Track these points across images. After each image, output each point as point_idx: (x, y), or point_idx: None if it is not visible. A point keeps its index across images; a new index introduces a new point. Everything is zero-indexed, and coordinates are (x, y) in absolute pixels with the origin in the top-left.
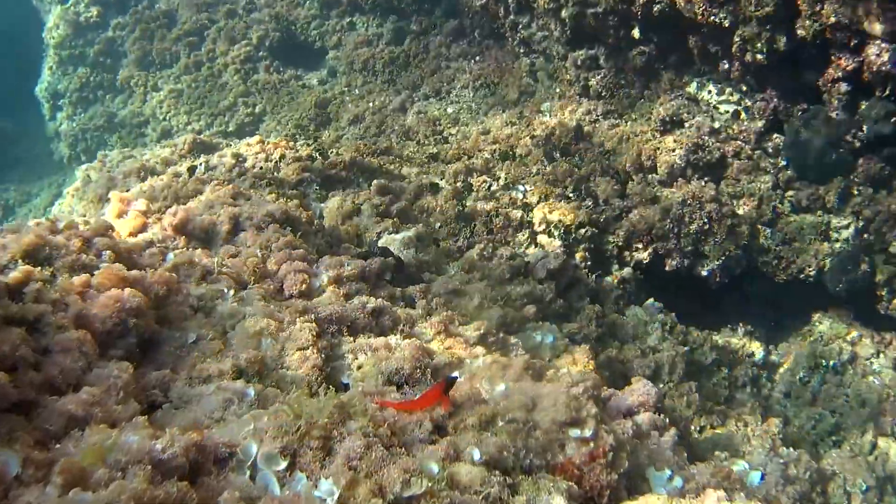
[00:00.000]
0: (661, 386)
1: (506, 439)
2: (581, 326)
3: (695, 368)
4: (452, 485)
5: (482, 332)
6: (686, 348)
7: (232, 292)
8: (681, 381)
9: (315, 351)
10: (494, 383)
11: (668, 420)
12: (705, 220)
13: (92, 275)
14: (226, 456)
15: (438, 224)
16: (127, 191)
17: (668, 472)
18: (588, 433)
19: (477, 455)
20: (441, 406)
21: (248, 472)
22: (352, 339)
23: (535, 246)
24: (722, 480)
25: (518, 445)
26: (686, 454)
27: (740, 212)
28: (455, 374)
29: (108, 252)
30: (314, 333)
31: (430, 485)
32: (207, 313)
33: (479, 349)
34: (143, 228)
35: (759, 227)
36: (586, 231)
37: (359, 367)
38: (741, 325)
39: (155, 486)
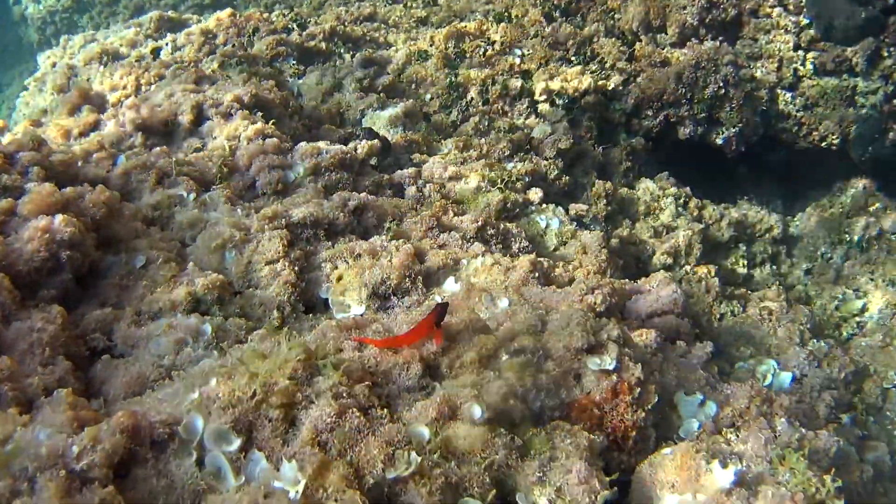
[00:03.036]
0: (678, 269)
1: (512, 378)
2: (589, 206)
3: (711, 246)
4: (447, 453)
5: (480, 223)
6: (702, 225)
7: (193, 196)
8: (698, 263)
9: (287, 264)
10: (495, 299)
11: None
12: (720, 84)
13: (16, 200)
14: (165, 437)
15: (429, 96)
16: (88, 79)
17: (699, 396)
18: (610, 363)
19: (478, 413)
20: (433, 340)
21: (193, 455)
22: (330, 244)
23: (536, 117)
24: (761, 405)
25: (526, 385)
26: (717, 369)
27: (758, 75)
28: (445, 296)
29: (35, 169)
30: (285, 242)
31: (418, 460)
32: (164, 225)
33: (477, 246)
34: (96, 126)
35: (779, 91)
36: (591, 98)
37: (339, 279)
38: (757, 197)
39: (71, 496)
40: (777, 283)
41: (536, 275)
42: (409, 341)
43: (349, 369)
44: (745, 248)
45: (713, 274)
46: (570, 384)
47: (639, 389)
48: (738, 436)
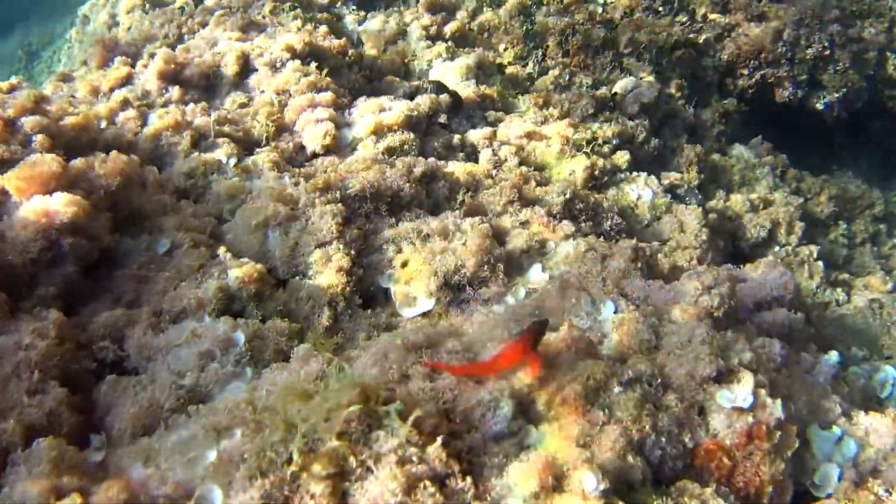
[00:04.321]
0: (777, 249)
1: (628, 422)
2: (682, 174)
3: (809, 223)
4: None
5: (568, 195)
6: (801, 199)
7: (233, 161)
8: (799, 243)
9: (341, 246)
10: (598, 303)
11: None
12: (826, 44)
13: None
14: None
15: (503, 47)
16: (129, 28)
17: (836, 431)
18: (744, 399)
19: (592, 483)
20: (527, 367)
21: None
22: (394, 220)
23: (622, 71)
24: None
25: (644, 429)
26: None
27: (867, 35)
28: (531, 287)
29: (39, 137)
30: (340, 220)
31: None
32: (199, 196)
33: (566, 225)
34: (128, 81)
35: (889, 54)
36: (682, 53)
37: (403, 265)
38: (854, 169)
39: None
40: (879, 267)
41: (639, 265)
42: (498, 369)
43: (420, 418)
44: (845, 226)
45: (815, 255)
46: (694, 424)
47: (778, 433)
48: (889, 492)
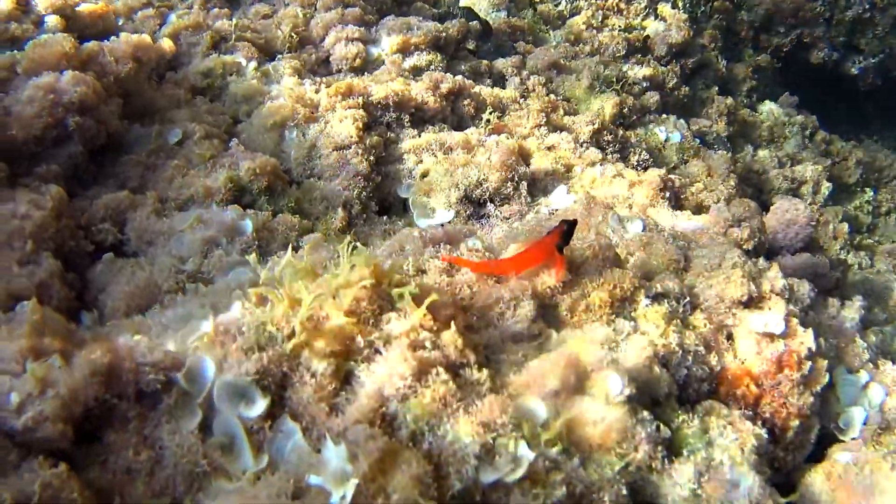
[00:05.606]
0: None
1: (655, 335)
2: (711, 124)
3: (836, 187)
4: (570, 445)
5: (596, 126)
6: (829, 161)
7: (253, 65)
8: (824, 205)
9: (360, 150)
10: (625, 221)
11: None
12: (866, 7)
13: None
14: (158, 387)
15: None
16: None
17: (864, 375)
18: (776, 325)
19: (618, 385)
20: (553, 268)
21: (197, 416)
22: (416, 132)
23: (655, 18)
24: None
25: (671, 346)
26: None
27: None
28: (554, 208)
29: (52, 18)
30: (360, 125)
31: (531, 456)
32: (215, 97)
33: (593, 152)
34: None
35: None
36: (718, 4)
37: (423, 175)
38: (884, 139)
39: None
40: None
41: (667, 195)
42: (520, 268)
43: (436, 305)
44: (872, 193)
45: (840, 217)
46: (722, 347)
47: (809, 364)
48: None
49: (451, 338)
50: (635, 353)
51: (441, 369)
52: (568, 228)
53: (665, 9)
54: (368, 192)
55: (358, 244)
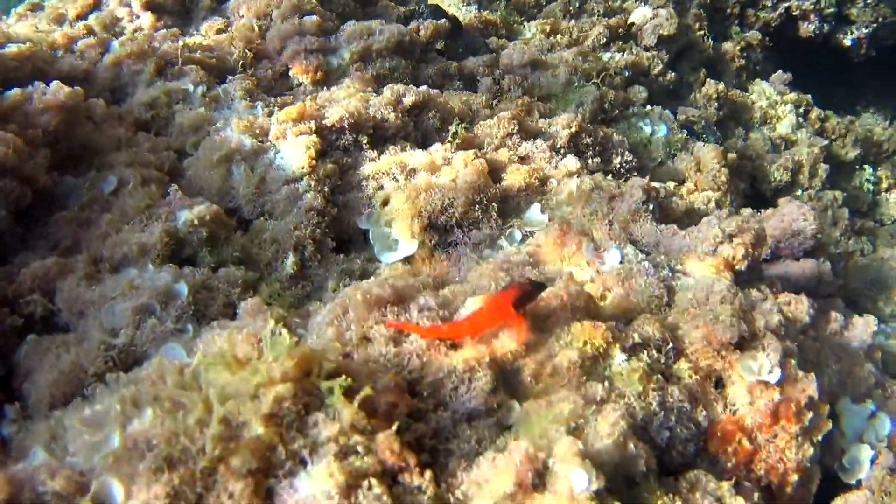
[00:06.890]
0: (800, 192)
1: (632, 399)
2: (700, 110)
3: (833, 166)
4: None
5: (574, 129)
6: (825, 141)
7: (201, 89)
8: (823, 188)
9: (313, 182)
10: (602, 250)
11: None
12: None
13: None
14: None
15: None
16: None
17: (870, 406)
18: (770, 371)
19: (582, 482)
20: (511, 328)
21: None
22: (376, 154)
23: (636, 0)
24: None
25: (651, 407)
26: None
27: None
28: (528, 229)
29: None
30: (313, 153)
31: None
32: (161, 129)
33: (571, 160)
34: (97, 7)
35: None
36: None
37: (384, 203)
38: (880, 111)
39: None
40: None
41: (650, 207)
42: (476, 331)
43: (373, 396)
44: (871, 170)
45: (840, 201)
46: (711, 398)
47: (810, 414)
48: None
49: (386, 441)
50: (607, 428)
51: (374, 481)
52: (528, 290)
53: None
54: (323, 228)
55: (283, 330)
